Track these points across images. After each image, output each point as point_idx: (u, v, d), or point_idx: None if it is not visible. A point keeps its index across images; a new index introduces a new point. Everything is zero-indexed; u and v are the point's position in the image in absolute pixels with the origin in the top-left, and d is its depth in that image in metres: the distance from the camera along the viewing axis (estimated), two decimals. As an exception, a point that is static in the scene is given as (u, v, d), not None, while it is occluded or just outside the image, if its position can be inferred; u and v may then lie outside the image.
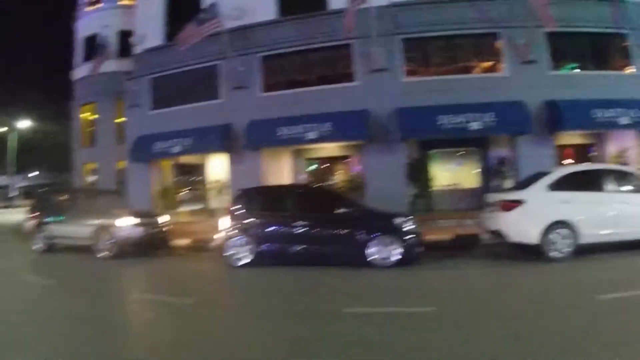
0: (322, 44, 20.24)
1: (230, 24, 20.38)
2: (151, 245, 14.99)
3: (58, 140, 48.63)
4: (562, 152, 20.69)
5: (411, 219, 11.60)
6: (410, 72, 19.82)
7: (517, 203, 11.21)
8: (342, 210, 11.51)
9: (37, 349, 6.07)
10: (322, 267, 11.06)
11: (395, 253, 10.85)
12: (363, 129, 18.50)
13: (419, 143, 19.98)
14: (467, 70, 20.18)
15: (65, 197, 17.70)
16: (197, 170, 24.28)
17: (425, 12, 19.56)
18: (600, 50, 20.66)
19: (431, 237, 13.44)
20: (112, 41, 27.99)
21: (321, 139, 18.93)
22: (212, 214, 20.05)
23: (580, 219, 10.78)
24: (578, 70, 20.26)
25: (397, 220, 11.30)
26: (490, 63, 20.21)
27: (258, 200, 12.67)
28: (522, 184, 12.57)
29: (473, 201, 17.68)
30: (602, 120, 18.33)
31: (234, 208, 12.52)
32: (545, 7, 17.70)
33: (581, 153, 21.27)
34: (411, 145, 19.64)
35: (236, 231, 11.98)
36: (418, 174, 18.96)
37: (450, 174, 20.64)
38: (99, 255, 14.20)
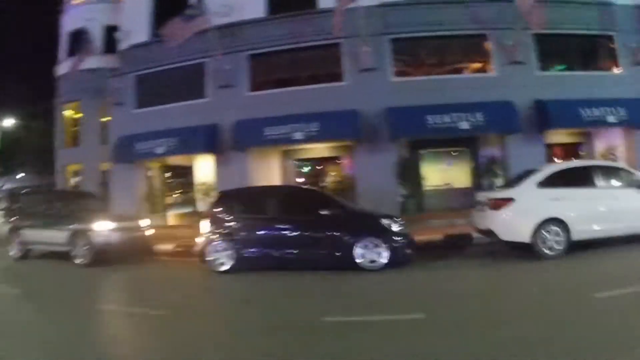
0: (311, 43, 20.00)
1: (218, 21, 19.99)
2: (132, 250, 14.28)
3: (45, 140, 47.73)
4: (552, 150, 20.81)
5: (400, 220, 11.40)
6: (400, 72, 19.73)
7: (507, 201, 11.13)
8: (327, 211, 11.13)
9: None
10: (307, 272, 10.77)
11: (384, 255, 10.57)
12: (352, 129, 18.36)
13: (409, 143, 19.88)
14: (457, 70, 20.20)
15: (43, 200, 16.63)
16: (184, 171, 23.70)
17: (415, 12, 19.48)
18: (587, 51, 20.97)
19: (422, 237, 13.24)
20: (98, 36, 27.17)
21: (310, 139, 18.73)
22: (200, 217, 19.46)
23: (571, 216, 10.74)
24: (566, 71, 20.42)
25: (385, 222, 11.06)
26: (479, 63, 20.24)
27: (239, 202, 12.28)
28: (512, 182, 12.51)
29: (464, 200, 17.47)
30: (589, 119, 18.59)
31: (214, 211, 12.12)
32: (534, 9, 17.77)
33: (570, 151, 21.47)
34: (401, 145, 19.53)
35: (217, 235, 11.60)
36: (408, 174, 18.85)
37: (441, 173, 20.60)
38: (76, 262, 13.56)
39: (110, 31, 26.75)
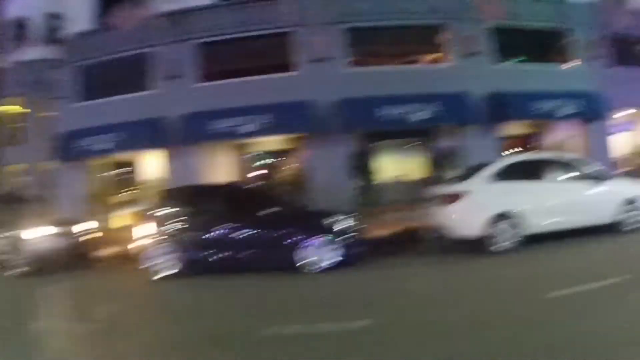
0: (263, 31, 19.08)
1: (166, 7, 18.97)
2: (74, 257, 13.13)
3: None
4: (507, 142, 20.71)
5: (349, 216, 10.81)
6: (354, 63, 19.12)
7: (458, 196, 10.70)
8: (270, 210, 10.49)
9: None
10: (252, 276, 10.11)
11: (331, 256, 9.97)
12: (304, 121, 17.70)
13: (364, 135, 19.24)
14: (413, 61, 19.88)
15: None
16: (133, 169, 22.28)
17: (371, 1, 18.93)
18: (543, 45, 20.97)
19: (374, 233, 12.81)
20: (41, 25, 24.50)
21: (261, 132, 17.91)
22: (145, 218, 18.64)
23: (524, 209, 10.50)
24: (522, 64, 20.36)
25: (332, 219, 10.44)
26: (435, 54, 19.93)
27: (181, 202, 11.48)
28: (464, 176, 12.02)
29: (420, 193, 16.99)
30: (544, 111, 18.71)
31: (154, 212, 11.33)
32: (491, 1, 17.79)
33: (525, 143, 21.47)
34: (355, 137, 18.92)
35: (159, 238, 10.75)
36: (363, 166, 18.32)
37: (396, 165, 20.08)
38: (8, 274, 12.36)
39: (55, 19, 25.03)
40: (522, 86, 18.89)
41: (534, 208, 10.65)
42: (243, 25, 19.21)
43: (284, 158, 21.06)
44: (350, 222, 10.70)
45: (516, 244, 10.43)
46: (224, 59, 20.04)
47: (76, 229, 13.88)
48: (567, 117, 19.25)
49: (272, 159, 21.14)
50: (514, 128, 20.74)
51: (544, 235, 10.75)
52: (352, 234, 10.53)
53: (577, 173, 11.46)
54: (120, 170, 22.72)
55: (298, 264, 9.99)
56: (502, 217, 10.47)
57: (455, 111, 18.08)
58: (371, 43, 19.71)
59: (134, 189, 22.16)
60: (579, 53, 20.60)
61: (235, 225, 10.60)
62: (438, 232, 11.43)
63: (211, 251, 10.51)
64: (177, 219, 10.98)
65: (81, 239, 13.86)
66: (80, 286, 11.24)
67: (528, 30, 20.19)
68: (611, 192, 11.30)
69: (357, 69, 19.08)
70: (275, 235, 10.31)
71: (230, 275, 10.34)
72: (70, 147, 20.16)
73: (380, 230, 13.48)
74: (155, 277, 10.62)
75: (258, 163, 21.01)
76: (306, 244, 10.04)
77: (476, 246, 10.62)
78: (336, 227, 10.35)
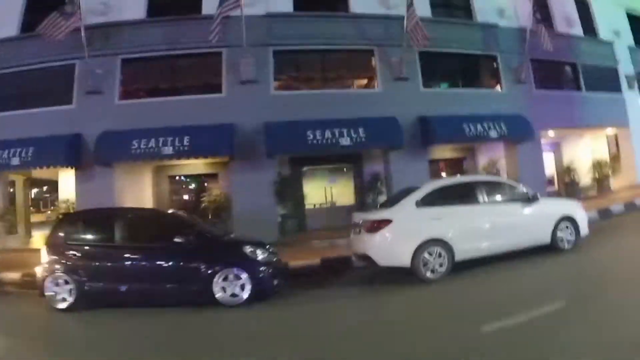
0: (191, 50, 18.23)
1: (93, 19, 17.75)
2: None
3: None
4: (436, 166, 20.74)
5: (266, 246, 10.06)
6: (282, 86, 18.60)
7: (383, 223, 9.96)
8: (182, 238, 9.45)
9: None
10: (158, 309, 9.13)
11: (246, 288, 9.10)
12: (226, 144, 16.76)
13: (290, 159, 18.71)
14: (341, 85, 19.50)
15: None
16: (52, 187, 20.89)
17: (301, 24, 18.56)
18: (471, 70, 21.34)
19: (298, 262, 12.13)
20: None
21: (180, 154, 16.73)
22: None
23: (453, 235, 9.92)
24: (450, 88, 20.54)
25: (247, 249, 9.62)
26: (364, 79, 19.71)
27: (83, 227, 10.36)
28: (390, 202, 11.50)
29: (348, 219, 16.34)
30: (472, 134, 18.67)
31: (55, 237, 10.16)
32: (419, 27, 17.54)
33: (454, 166, 21.62)
34: (282, 162, 18.28)
35: (57, 266, 9.62)
36: (288, 192, 17.58)
37: (324, 191, 19.68)
38: None
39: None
40: (450, 110, 18.92)
41: (464, 233, 10.05)
42: (169, 43, 18.21)
43: (207, 183, 20.15)
44: (270, 252, 9.96)
45: (447, 271, 9.77)
46: (149, 76, 19.07)
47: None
48: (496, 139, 19.32)
49: (194, 183, 20.20)
50: (444, 151, 20.81)
51: (476, 260, 10.24)
52: (272, 265, 9.77)
53: (508, 195, 11.05)
54: (40, 187, 21.11)
55: (216, 297, 9.10)
56: (430, 244, 9.80)
57: (384, 135, 17.70)
58: (300, 66, 19.30)
59: (53, 208, 20.54)
60: (506, 77, 20.93)
61: (143, 254, 9.60)
62: (364, 261, 10.64)
63: (117, 282, 9.46)
64: (79, 246, 9.90)
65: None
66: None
67: (457, 55, 20.40)
68: (544, 212, 10.97)
69: (284, 92, 18.55)
70: (188, 265, 9.39)
71: (135, 309, 9.32)
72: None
73: (304, 260, 12.66)
74: (55, 307, 9.51)
75: (179, 187, 20.02)
76: (225, 274, 9.18)
77: (404, 275, 9.96)
78: (255, 257, 9.55)
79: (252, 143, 17.35)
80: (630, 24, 26.24)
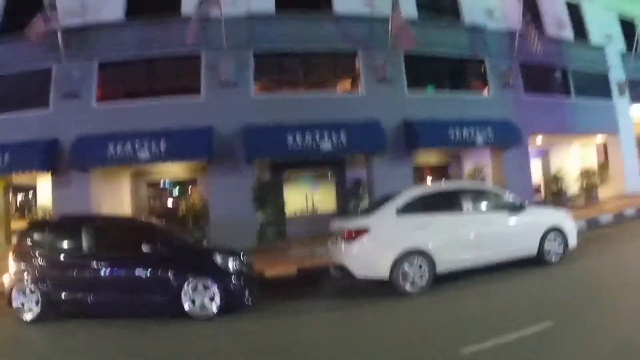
0: (169, 52, 17.54)
1: (70, 21, 17.03)
2: None
3: None
4: (420, 171, 20.09)
5: (239, 254, 9.50)
6: (262, 88, 17.93)
7: (361, 232, 9.30)
8: (149, 247, 8.93)
9: None
10: (125, 321, 8.71)
11: (216, 300, 8.60)
12: (204, 148, 16.11)
13: (271, 164, 18.04)
14: (323, 88, 18.85)
15: None
16: (32, 193, 20.33)
17: (282, 26, 17.90)
18: (458, 73, 20.70)
19: (274, 272, 11.58)
20: None
21: (156, 158, 16.10)
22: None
23: (435, 246, 9.28)
24: (436, 92, 19.85)
25: (218, 258, 9.09)
26: (347, 82, 19.05)
27: (48, 235, 9.91)
28: (369, 209, 10.82)
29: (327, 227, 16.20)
30: (458, 139, 18.11)
31: (21, 245, 9.80)
32: (404, 29, 16.90)
33: (439, 172, 20.99)
34: (261, 167, 17.66)
35: (24, 275, 9.25)
36: (268, 198, 16.84)
37: (305, 197, 19.07)
38: None
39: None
40: (435, 114, 18.34)
41: (447, 244, 9.42)
42: (148, 45, 17.53)
43: (187, 188, 19.56)
44: (243, 261, 9.43)
45: (427, 284, 9.13)
46: (126, 80, 18.45)
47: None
48: (482, 144, 18.72)
49: (174, 189, 19.60)
50: (429, 157, 20.21)
51: (459, 273, 9.64)
52: (244, 275, 9.27)
53: (494, 203, 10.41)
54: (21, 193, 21.06)
55: (185, 309, 8.60)
56: (410, 254, 9.13)
57: (367, 140, 17.12)
58: (281, 69, 18.69)
59: (33, 215, 19.88)
60: (494, 81, 20.34)
61: (109, 263, 9.12)
62: (341, 271, 9.93)
63: (83, 293, 9.05)
64: (46, 255, 9.50)
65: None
66: None
67: (443, 58, 19.74)
68: (531, 222, 10.36)
69: (265, 95, 17.92)
70: (155, 275, 8.89)
71: (103, 321, 8.90)
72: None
73: (281, 269, 12.10)
74: (22, 318, 9.13)
75: (157, 192, 19.42)
76: (194, 285, 8.68)
77: (382, 287, 9.34)
78: (226, 267, 9.05)
79: (230, 147, 16.73)
80: (622, 29, 25.58)
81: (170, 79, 18.26)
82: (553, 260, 10.39)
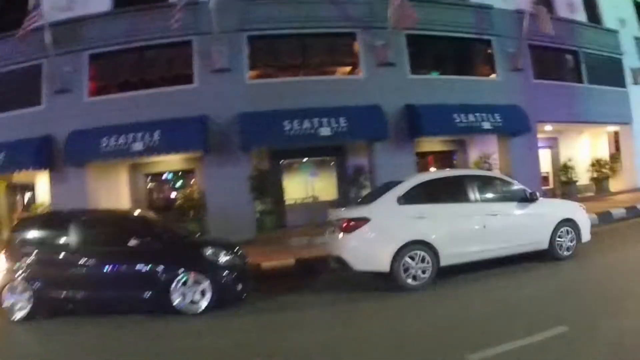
0: (160, 40, 16.97)
1: (58, 15, 16.70)
2: None
3: None
4: (424, 159, 19.43)
5: (232, 247, 9.09)
6: (257, 74, 17.28)
7: (360, 222, 8.65)
8: (138, 241, 8.58)
9: None
10: (115, 317, 8.34)
11: (206, 295, 8.21)
12: (200, 138, 15.59)
13: (268, 152, 17.43)
14: (321, 72, 18.10)
15: None
16: (31, 191, 20.36)
17: (276, 7, 17.07)
18: (463, 55, 19.76)
19: (272, 263, 11.26)
20: None
21: (151, 150, 15.65)
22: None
23: (439, 237, 8.67)
24: (440, 75, 18.99)
25: (208, 251, 8.68)
26: (346, 65, 18.33)
27: (37, 232, 9.63)
28: (369, 198, 10.09)
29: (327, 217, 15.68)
30: (463, 125, 17.28)
31: (11, 242, 9.53)
32: (405, 7, 15.99)
33: (443, 159, 20.27)
34: (259, 156, 17.07)
35: (14, 273, 8.93)
36: (266, 187, 16.32)
37: (305, 185, 18.57)
38: None
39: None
40: (440, 99, 17.52)
41: (452, 235, 8.76)
42: (137, 34, 17.04)
43: (184, 179, 19.19)
44: (236, 254, 9.03)
45: (430, 278, 8.53)
46: (117, 71, 17.97)
47: None
48: (489, 131, 17.96)
49: (172, 181, 19.34)
50: (432, 144, 19.50)
51: (464, 266, 8.98)
52: (237, 268, 8.82)
53: (503, 193, 9.68)
54: (20, 191, 21.09)
55: (174, 305, 8.22)
56: (412, 246, 8.48)
57: (368, 126, 16.41)
58: (276, 53, 17.97)
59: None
60: (501, 64, 19.37)
61: (98, 258, 8.80)
62: (339, 263, 9.30)
63: (73, 289, 8.73)
64: (35, 251, 9.15)
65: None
66: None
67: (447, 39, 18.84)
68: (543, 214, 9.57)
69: (260, 81, 17.27)
70: (145, 270, 8.54)
71: (93, 318, 8.57)
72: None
73: (278, 260, 11.68)
74: (13, 316, 8.80)
75: (155, 185, 19.13)
76: (184, 279, 8.29)
77: (382, 281, 8.73)
78: (216, 260, 8.66)
79: (226, 136, 16.15)
80: (637, 13, 24.24)
81: (162, 69, 17.72)
82: (565, 255, 9.61)
